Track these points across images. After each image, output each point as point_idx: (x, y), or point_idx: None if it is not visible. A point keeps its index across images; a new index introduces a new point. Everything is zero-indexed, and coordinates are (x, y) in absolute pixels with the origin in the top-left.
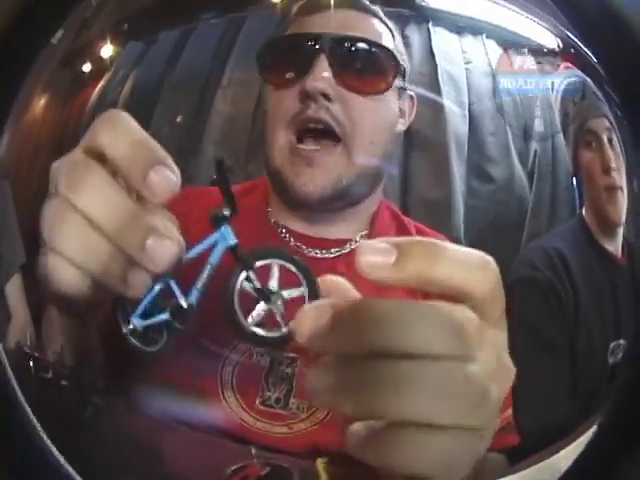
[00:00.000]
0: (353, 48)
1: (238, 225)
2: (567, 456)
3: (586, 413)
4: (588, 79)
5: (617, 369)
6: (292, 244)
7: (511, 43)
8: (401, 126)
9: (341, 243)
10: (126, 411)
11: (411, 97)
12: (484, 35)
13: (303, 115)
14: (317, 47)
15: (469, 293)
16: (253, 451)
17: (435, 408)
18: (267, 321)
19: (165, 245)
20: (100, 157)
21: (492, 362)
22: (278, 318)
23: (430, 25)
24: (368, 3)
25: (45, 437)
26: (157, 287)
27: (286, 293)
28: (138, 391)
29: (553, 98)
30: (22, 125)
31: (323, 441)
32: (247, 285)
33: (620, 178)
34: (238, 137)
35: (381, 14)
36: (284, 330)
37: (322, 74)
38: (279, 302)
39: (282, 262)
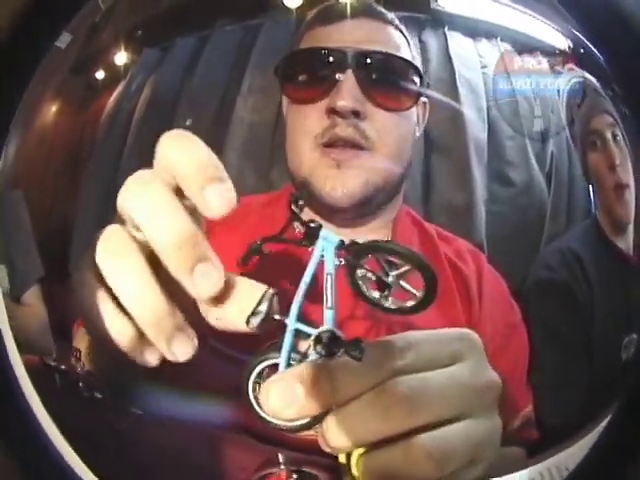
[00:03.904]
0: (379, 64)
1: (267, 231)
2: (574, 454)
3: (599, 410)
4: (589, 76)
5: (629, 365)
6: None
7: (524, 45)
8: (418, 133)
9: None
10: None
11: (424, 103)
12: (498, 38)
13: (332, 132)
14: (342, 63)
15: None
16: (281, 457)
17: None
18: None
19: (213, 275)
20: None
21: None
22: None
23: (446, 29)
24: (384, 11)
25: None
26: (287, 338)
27: (400, 276)
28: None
29: (561, 99)
30: (32, 133)
31: None
32: (369, 275)
33: (626, 175)
34: (260, 144)
35: (397, 21)
36: None
37: (351, 91)
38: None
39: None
